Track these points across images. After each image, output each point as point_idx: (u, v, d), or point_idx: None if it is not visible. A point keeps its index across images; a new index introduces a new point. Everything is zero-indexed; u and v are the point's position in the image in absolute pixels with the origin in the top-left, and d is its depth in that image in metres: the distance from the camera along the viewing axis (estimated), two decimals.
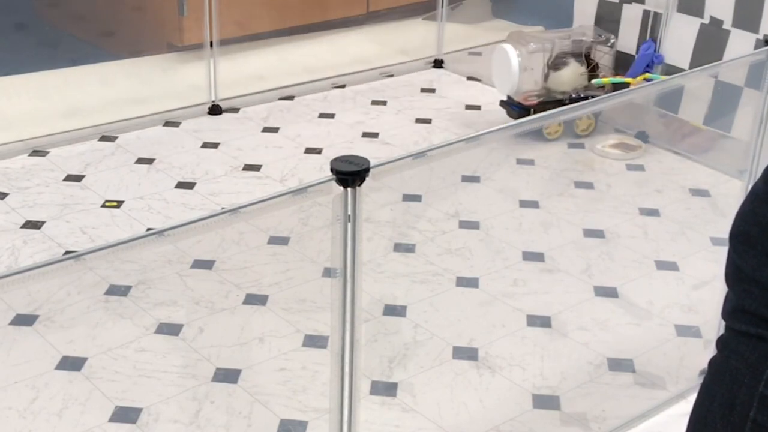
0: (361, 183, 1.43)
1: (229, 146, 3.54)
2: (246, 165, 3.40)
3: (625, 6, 3.79)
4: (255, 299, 2.59)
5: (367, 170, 1.43)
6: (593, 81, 3.60)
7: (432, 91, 4.17)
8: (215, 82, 3.83)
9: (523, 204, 3.16)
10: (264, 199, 1.44)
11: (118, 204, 3.09)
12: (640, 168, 3.46)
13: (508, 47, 3.54)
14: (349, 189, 1.43)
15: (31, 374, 2.27)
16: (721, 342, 1.21)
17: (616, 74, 3.66)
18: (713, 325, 2.39)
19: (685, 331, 2.52)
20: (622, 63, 3.72)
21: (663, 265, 2.82)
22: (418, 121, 3.84)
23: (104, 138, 3.57)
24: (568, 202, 3.19)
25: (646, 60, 3.64)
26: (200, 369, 2.31)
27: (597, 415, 2.21)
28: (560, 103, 3.54)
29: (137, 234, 1.36)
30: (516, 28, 4.48)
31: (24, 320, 2.46)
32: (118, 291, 2.60)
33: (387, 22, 4.84)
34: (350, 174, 1.42)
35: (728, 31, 3.42)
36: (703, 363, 1.62)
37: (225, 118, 3.81)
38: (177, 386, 2.25)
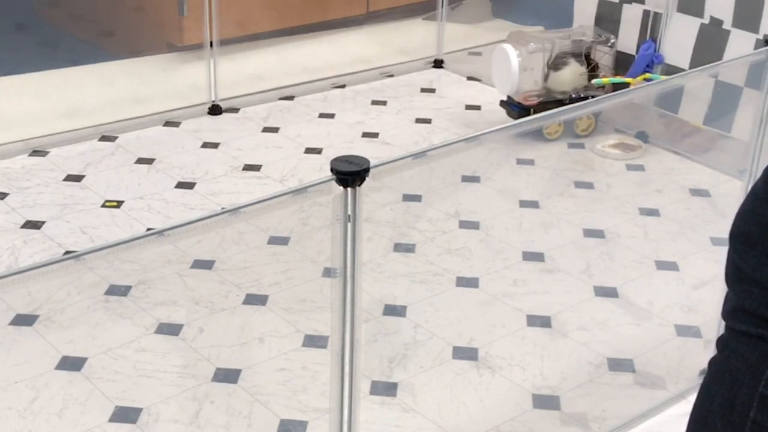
0: (361, 183, 1.43)
1: (229, 146, 3.54)
2: (246, 165, 3.40)
3: (625, 6, 3.79)
4: (255, 299, 2.59)
5: (367, 170, 1.43)
6: (593, 81, 3.60)
7: (432, 91, 4.17)
8: (215, 82, 3.83)
9: (523, 204, 3.16)
10: (264, 199, 1.44)
11: (118, 204, 3.09)
12: (640, 168, 3.46)
13: (508, 47, 3.54)
14: (349, 189, 1.43)
15: (31, 374, 2.27)
16: (721, 342, 1.21)
17: (616, 74, 3.66)
18: (713, 325, 2.39)
19: (685, 331, 2.52)
20: (622, 63, 3.72)
21: (663, 265, 2.82)
22: (418, 121, 3.84)
23: (104, 138, 3.57)
24: (568, 202, 3.19)
25: (646, 60, 3.64)
26: (200, 369, 2.31)
27: (597, 415, 2.21)
28: (560, 103, 3.54)
29: (137, 234, 1.36)
30: (516, 28, 4.48)
31: (24, 320, 2.46)
32: (118, 291, 2.60)
33: (387, 22, 4.84)
34: (350, 174, 1.42)
35: (728, 31, 3.42)
36: (703, 363, 1.62)
37: (225, 118, 3.81)
38: (177, 386, 2.25)
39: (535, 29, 4.20)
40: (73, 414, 2.15)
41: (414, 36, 4.70)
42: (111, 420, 2.14)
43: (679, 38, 3.59)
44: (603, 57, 3.66)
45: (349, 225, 1.45)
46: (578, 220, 3.06)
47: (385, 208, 3.11)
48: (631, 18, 3.77)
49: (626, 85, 3.50)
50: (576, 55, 3.62)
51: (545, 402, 2.24)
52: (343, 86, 4.17)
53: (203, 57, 3.82)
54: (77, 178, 3.24)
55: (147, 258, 2.73)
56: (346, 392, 1.59)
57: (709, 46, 3.49)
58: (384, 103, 4.01)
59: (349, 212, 1.44)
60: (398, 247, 2.87)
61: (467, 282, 2.70)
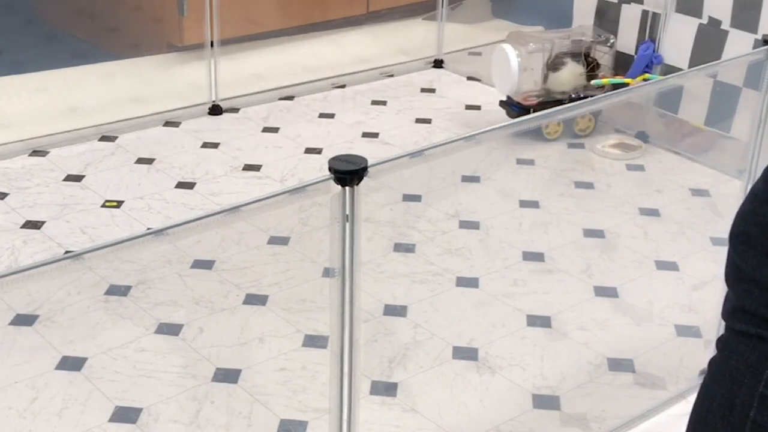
0: (359, 182, 1.43)
1: (229, 146, 3.54)
2: (246, 165, 3.40)
3: (624, 6, 3.79)
4: (255, 299, 2.59)
5: (364, 169, 1.43)
6: (592, 81, 3.60)
7: (432, 91, 4.17)
8: (215, 82, 3.83)
9: (523, 204, 3.16)
10: (262, 198, 1.44)
11: (118, 204, 3.09)
12: (640, 168, 3.46)
13: (508, 47, 3.54)
14: (347, 188, 1.43)
15: (31, 374, 2.27)
16: (721, 342, 1.21)
17: (615, 74, 3.66)
18: (713, 325, 2.39)
19: (685, 331, 2.52)
20: (622, 63, 3.72)
21: (663, 265, 2.82)
22: (418, 121, 3.84)
23: (104, 138, 3.57)
24: (568, 202, 3.19)
25: (645, 60, 3.64)
26: (200, 369, 2.31)
27: (597, 415, 2.21)
28: (560, 103, 3.54)
29: (137, 234, 1.36)
30: (516, 28, 4.49)
31: (24, 320, 2.46)
32: (118, 291, 2.60)
33: (387, 22, 4.84)
34: (348, 173, 1.42)
35: (727, 32, 3.42)
36: (703, 363, 1.62)
37: (225, 118, 3.81)
38: (177, 386, 2.25)
39: (535, 29, 4.20)
40: (73, 414, 2.15)
41: (414, 36, 4.70)
42: (111, 420, 2.14)
43: (677, 38, 3.59)
44: (602, 57, 3.66)
45: (348, 224, 1.45)
46: (578, 220, 3.06)
47: (385, 208, 3.11)
48: (630, 18, 3.77)
49: (625, 85, 3.50)
50: (575, 56, 3.62)
51: (545, 402, 2.24)
52: (343, 86, 4.17)
53: (203, 57, 3.82)
54: (77, 178, 3.24)
55: (147, 258, 2.73)
56: (345, 392, 1.59)
57: (708, 46, 3.49)
58: (384, 103, 4.01)
59: (348, 211, 1.44)
60: (398, 247, 2.87)
61: (467, 282, 2.70)
